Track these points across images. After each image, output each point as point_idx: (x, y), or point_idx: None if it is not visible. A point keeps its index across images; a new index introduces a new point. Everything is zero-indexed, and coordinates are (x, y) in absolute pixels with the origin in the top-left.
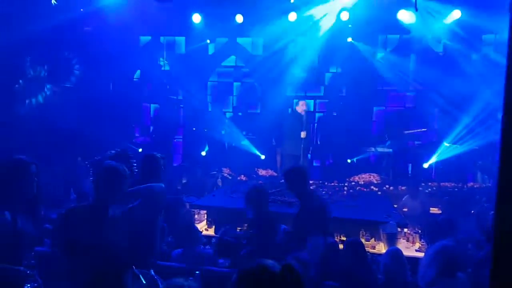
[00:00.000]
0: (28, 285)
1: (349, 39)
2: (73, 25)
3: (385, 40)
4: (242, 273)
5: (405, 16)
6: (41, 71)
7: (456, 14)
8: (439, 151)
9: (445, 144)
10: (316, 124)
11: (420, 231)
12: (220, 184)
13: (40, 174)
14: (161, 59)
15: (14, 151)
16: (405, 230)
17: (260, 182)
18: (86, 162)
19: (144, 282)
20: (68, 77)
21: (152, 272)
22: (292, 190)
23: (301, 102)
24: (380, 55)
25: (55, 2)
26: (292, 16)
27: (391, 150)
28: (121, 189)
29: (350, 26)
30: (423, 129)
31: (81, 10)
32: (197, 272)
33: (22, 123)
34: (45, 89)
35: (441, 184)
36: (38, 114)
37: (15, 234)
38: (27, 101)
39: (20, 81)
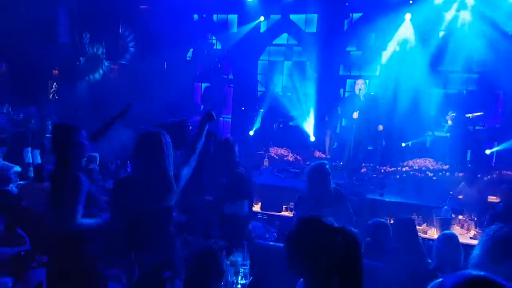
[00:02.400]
0: None
1: (408, 15)
2: (130, 2)
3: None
4: (301, 222)
5: None
6: (99, 49)
7: None
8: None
9: None
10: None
11: (476, 219)
12: (266, 164)
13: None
14: (213, 37)
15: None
16: (460, 216)
17: (308, 163)
18: None
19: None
20: (123, 55)
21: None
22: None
23: (359, 81)
24: (442, 33)
25: None
26: None
27: (449, 134)
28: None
29: (411, 2)
30: (480, 113)
31: None
32: (244, 242)
33: (82, 99)
34: (103, 67)
35: (503, 172)
36: (96, 91)
37: None
38: (86, 78)
39: (81, 58)
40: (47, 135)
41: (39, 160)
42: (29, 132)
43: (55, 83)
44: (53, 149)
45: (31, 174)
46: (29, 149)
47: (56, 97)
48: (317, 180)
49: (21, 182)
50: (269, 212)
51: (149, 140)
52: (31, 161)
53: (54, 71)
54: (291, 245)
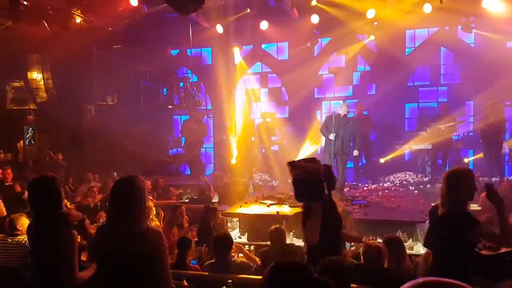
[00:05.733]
0: None
1: (373, 37)
2: (103, 43)
3: (413, 35)
4: (277, 267)
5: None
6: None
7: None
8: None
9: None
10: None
11: None
12: (251, 191)
13: None
14: (188, 71)
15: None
16: None
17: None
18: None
19: None
20: (99, 95)
21: (185, 282)
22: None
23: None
24: (408, 50)
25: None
26: (315, 18)
27: (428, 146)
28: (136, 204)
29: (375, 23)
30: (461, 121)
31: (110, 29)
32: (229, 281)
33: (61, 142)
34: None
35: (480, 179)
36: (75, 132)
37: None
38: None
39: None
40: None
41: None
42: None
43: (30, 129)
44: (35, 204)
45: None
46: None
47: (33, 143)
48: (458, 187)
49: None
50: (256, 243)
51: (121, 186)
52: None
53: (29, 116)
54: None
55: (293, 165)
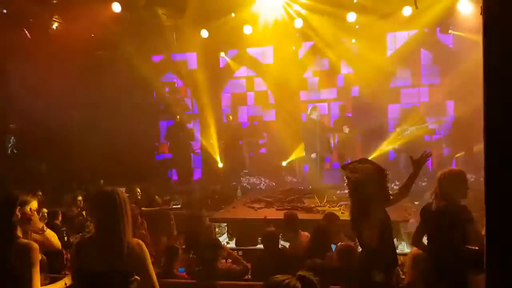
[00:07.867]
0: None
1: (354, 41)
2: (86, 50)
3: (393, 37)
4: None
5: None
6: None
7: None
8: None
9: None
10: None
11: None
12: (239, 195)
13: None
14: (174, 76)
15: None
16: None
17: (281, 189)
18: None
19: None
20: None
21: None
22: None
23: (315, 107)
24: (389, 52)
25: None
26: (298, 23)
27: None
28: (119, 218)
29: (357, 27)
30: (423, 125)
31: (92, 35)
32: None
33: (45, 150)
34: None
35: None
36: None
37: None
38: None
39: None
40: None
41: None
42: None
43: (12, 137)
44: None
45: None
46: None
47: (15, 152)
48: (453, 187)
49: None
50: (244, 247)
51: (103, 200)
52: None
53: (11, 125)
54: None
55: (350, 168)
